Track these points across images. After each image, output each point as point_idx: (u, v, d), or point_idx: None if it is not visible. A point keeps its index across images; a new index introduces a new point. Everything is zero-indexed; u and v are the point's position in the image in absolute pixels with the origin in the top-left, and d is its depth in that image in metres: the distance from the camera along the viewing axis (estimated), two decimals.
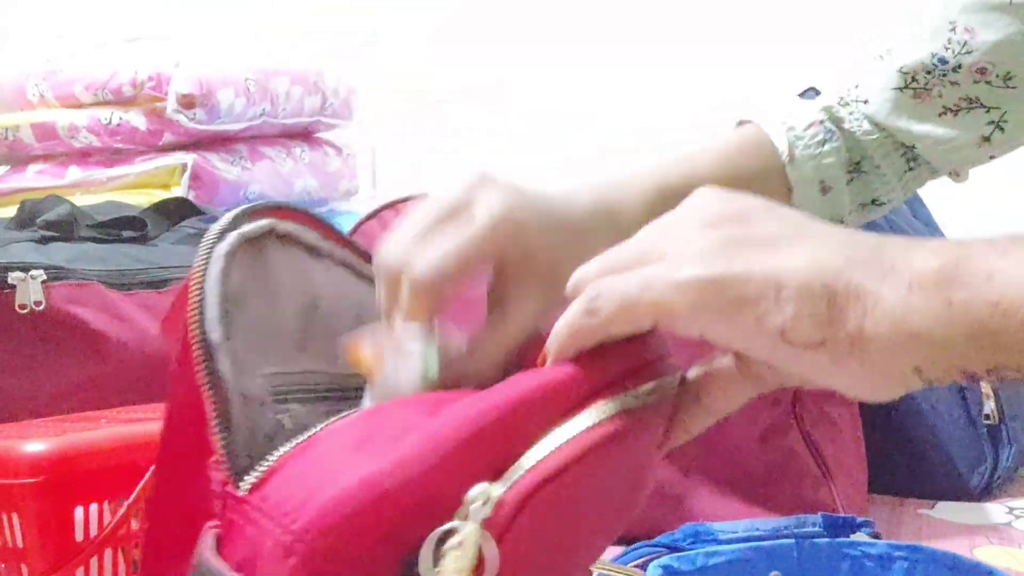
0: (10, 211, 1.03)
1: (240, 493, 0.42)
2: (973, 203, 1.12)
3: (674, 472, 0.87)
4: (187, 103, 1.32)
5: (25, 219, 0.98)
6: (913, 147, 0.74)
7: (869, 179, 0.75)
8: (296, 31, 1.92)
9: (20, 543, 0.62)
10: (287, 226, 0.53)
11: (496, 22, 1.87)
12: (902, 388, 0.43)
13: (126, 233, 1.02)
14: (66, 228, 0.96)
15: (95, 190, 1.34)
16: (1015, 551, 0.84)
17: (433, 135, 1.85)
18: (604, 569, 0.65)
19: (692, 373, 0.49)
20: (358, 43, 1.92)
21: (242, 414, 0.46)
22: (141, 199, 1.24)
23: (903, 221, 1.03)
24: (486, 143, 1.82)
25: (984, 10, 0.71)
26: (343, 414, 0.46)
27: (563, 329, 0.45)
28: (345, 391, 0.51)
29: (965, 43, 0.71)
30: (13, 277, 0.85)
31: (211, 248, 0.49)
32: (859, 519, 0.70)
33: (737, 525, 0.69)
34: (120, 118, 1.35)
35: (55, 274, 0.87)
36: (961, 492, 0.99)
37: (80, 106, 1.39)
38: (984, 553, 0.83)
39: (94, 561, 0.63)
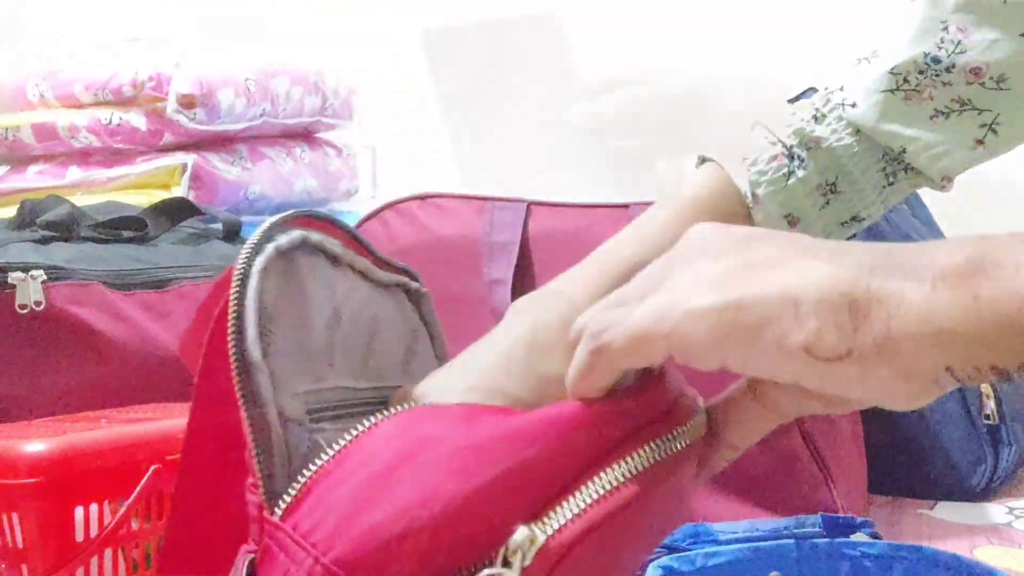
0: (10, 211, 1.03)
1: (275, 519, 0.41)
2: (973, 203, 1.12)
3: None
4: (187, 103, 1.32)
5: (25, 219, 0.98)
6: (900, 155, 0.72)
7: (847, 197, 0.73)
8: (296, 32, 1.92)
9: (20, 543, 0.62)
10: (316, 236, 0.53)
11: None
12: (936, 390, 0.41)
13: (126, 233, 1.02)
14: (66, 228, 0.96)
15: (95, 190, 1.34)
16: (1015, 551, 0.84)
17: (433, 135, 1.85)
18: None
19: (708, 408, 0.48)
20: (359, 43, 1.92)
21: (280, 436, 0.45)
22: (141, 199, 1.24)
23: (903, 221, 1.02)
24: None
25: (977, 10, 0.70)
26: (371, 423, 0.44)
27: (573, 373, 0.44)
28: (373, 406, 0.49)
29: (959, 43, 0.70)
30: (13, 277, 0.85)
31: (248, 262, 0.48)
32: (859, 519, 0.70)
33: (737, 526, 0.69)
34: (120, 118, 1.35)
35: (55, 274, 0.87)
36: (961, 492, 0.99)
37: (80, 106, 1.39)
38: (984, 553, 0.83)
39: (94, 561, 0.63)
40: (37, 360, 0.87)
